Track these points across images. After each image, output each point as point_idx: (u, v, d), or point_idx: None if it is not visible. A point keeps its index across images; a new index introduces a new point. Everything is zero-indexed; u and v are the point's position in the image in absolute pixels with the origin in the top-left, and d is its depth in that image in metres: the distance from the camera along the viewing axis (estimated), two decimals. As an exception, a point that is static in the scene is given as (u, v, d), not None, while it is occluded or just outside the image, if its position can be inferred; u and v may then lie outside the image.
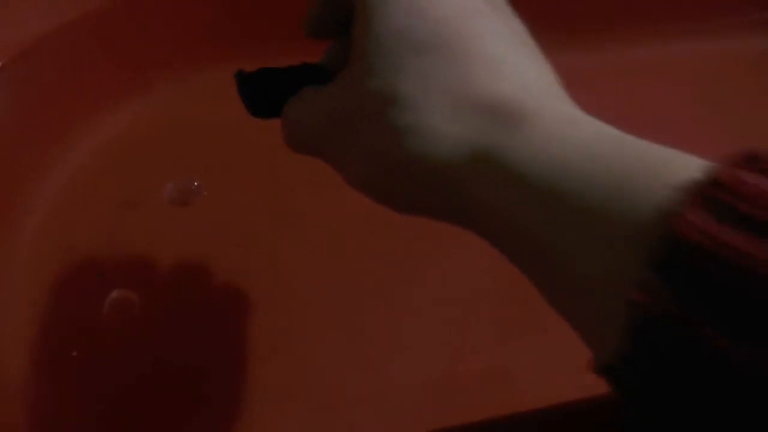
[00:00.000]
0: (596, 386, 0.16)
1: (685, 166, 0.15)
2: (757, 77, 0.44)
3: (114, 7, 0.37)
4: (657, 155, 0.16)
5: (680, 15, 0.44)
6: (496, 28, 0.20)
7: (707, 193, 0.14)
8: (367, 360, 0.32)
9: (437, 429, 0.30)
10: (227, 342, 0.32)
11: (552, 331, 0.31)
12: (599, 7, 0.42)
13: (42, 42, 0.35)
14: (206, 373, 0.31)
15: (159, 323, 0.32)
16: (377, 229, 0.35)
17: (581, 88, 0.21)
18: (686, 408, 0.14)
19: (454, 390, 0.31)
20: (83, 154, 0.37)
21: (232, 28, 0.39)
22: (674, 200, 0.15)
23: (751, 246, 0.13)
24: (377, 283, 0.34)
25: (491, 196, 0.18)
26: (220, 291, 0.33)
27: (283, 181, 0.36)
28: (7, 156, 0.34)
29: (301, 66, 0.24)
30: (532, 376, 0.32)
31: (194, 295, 0.33)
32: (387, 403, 0.31)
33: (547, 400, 0.30)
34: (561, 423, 0.31)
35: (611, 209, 0.16)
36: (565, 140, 0.17)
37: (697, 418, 0.14)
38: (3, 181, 0.34)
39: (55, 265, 0.33)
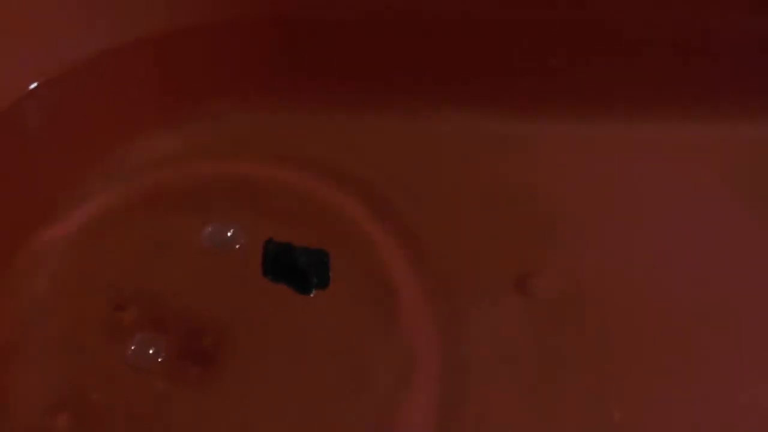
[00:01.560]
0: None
1: None
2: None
3: (171, 35, 0.37)
4: None
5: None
6: None
7: None
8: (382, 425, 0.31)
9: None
10: (236, 399, 0.32)
11: (565, 407, 0.32)
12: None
13: (90, 63, 0.35)
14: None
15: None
16: (396, 299, 0.34)
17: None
18: None
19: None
20: (120, 182, 0.37)
21: (295, 73, 0.39)
22: None
23: None
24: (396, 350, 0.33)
25: None
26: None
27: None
28: (39, 180, 0.34)
29: (317, 252, 0.28)
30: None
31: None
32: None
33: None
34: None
35: None
36: None
37: None
38: (34, 204, 0.34)
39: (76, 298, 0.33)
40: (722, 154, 0.41)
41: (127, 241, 0.35)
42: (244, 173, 0.38)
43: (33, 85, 0.34)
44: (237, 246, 0.34)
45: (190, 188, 0.37)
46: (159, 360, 0.31)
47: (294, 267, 0.28)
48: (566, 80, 0.40)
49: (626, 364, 0.33)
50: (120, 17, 0.37)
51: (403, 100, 0.40)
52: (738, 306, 0.35)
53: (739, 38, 0.41)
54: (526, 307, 0.35)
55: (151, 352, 0.31)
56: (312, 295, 0.28)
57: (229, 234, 0.33)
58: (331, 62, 0.40)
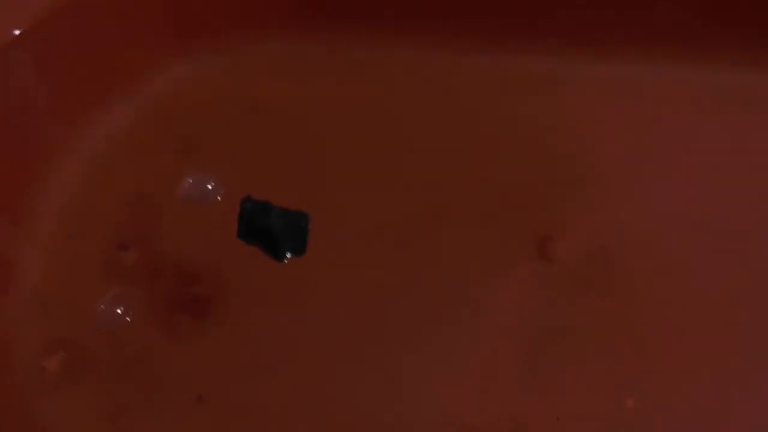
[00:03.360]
0: None
1: None
2: None
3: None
4: None
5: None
6: None
7: None
8: (381, 389, 0.30)
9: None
10: (228, 352, 0.31)
11: (576, 389, 0.29)
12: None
13: (70, 6, 0.33)
14: (205, 383, 0.30)
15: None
16: (407, 259, 0.32)
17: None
18: None
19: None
20: (111, 128, 0.35)
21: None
22: None
23: None
24: (404, 314, 0.31)
25: None
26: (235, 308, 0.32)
27: (307, 195, 0.32)
28: (30, 131, 0.33)
29: (294, 213, 0.26)
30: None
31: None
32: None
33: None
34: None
35: None
36: None
37: None
38: (26, 156, 0.33)
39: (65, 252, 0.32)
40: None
41: (120, 185, 0.34)
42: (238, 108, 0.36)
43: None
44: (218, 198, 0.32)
45: (183, 128, 0.35)
46: (127, 320, 0.30)
47: (268, 231, 0.25)
48: (601, 19, 0.35)
49: (647, 347, 0.30)
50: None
51: (426, 39, 0.36)
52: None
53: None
54: (545, 273, 0.32)
55: (119, 312, 0.30)
56: (285, 262, 0.26)
57: (209, 187, 0.32)
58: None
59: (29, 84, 0.33)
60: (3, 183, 0.33)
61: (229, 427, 0.29)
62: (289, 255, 0.26)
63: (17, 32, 0.31)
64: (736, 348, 0.30)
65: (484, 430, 0.29)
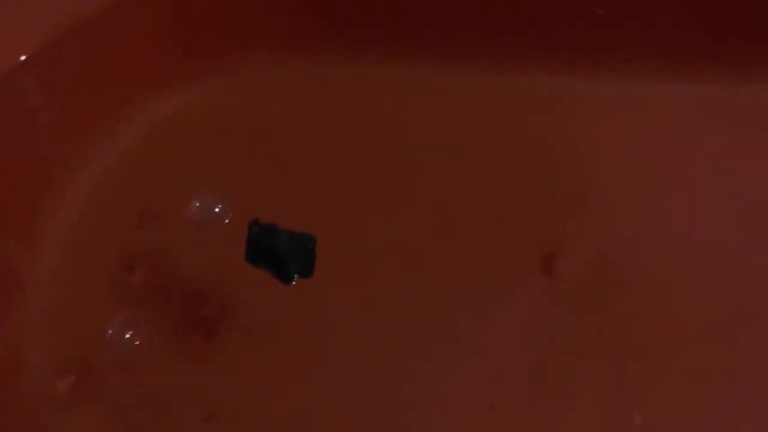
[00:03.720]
0: None
1: None
2: None
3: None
4: None
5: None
6: None
7: None
8: (387, 407, 0.30)
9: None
10: (237, 372, 0.31)
11: (583, 406, 0.30)
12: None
13: (78, 28, 0.33)
14: (214, 403, 0.30)
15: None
16: (414, 277, 0.32)
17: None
18: None
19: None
20: (118, 150, 0.36)
21: (301, 21, 0.37)
22: None
23: None
24: (410, 332, 0.31)
25: None
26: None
27: (314, 217, 0.32)
28: (39, 152, 0.34)
29: (302, 236, 0.26)
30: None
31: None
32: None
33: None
34: None
35: None
36: None
37: None
38: (35, 176, 0.34)
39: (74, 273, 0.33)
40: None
41: (127, 205, 0.34)
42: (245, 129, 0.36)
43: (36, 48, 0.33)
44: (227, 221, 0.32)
45: (194, 149, 0.36)
46: (136, 343, 0.31)
47: (275, 253, 0.26)
48: (605, 34, 0.35)
49: (654, 363, 0.30)
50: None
51: (430, 58, 0.37)
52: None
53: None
54: (550, 289, 0.32)
55: (128, 336, 0.30)
56: (293, 284, 0.27)
57: (216, 210, 0.32)
58: (357, 15, 0.37)
59: (37, 107, 0.34)
60: (14, 202, 0.33)
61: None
62: (296, 277, 0.26)
63: (24, 57, 0.32)
64: (743, 361, 0.30)
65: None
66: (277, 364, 0.31)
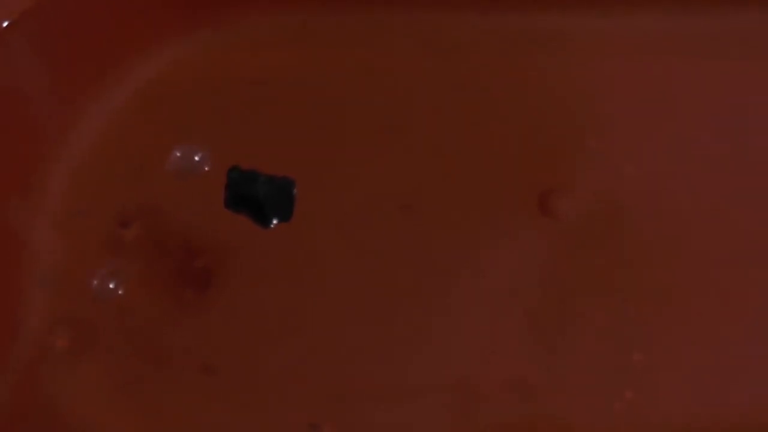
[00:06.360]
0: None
1: None
2: None
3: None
4: None
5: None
6: None
7: None
8: (385, 355, 0.30)
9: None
10: (232, 322, 0.31)
11: (583, 346, 0.29)
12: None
13: None
14: (210, 352, 0.30)
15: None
16: (410, 220, 0.32)
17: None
18: None
19: (471, 397, 0.29)
20: (113, 106, 0.35)
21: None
22: None
23: None
24: (407, 276, 0.31)
25: None
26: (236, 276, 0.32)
27: (303, 164, 0.31)
28: (33, 111, 0.34)
29: (281, 180, 0.26)
30: (554, 396, 0.29)
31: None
32: (397, 401, 0.29)
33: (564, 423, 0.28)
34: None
35: None
36: None
37: None
38: (28, 139, 0.34)
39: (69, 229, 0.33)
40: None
41: (119, 163, 0.34)
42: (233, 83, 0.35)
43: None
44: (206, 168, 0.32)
45: (185, 104, 0.35)
46: (120, 293, 0.31)
47: (255, 198, 0.25)
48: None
49: (656, 302, 0.30)
50: None
51: (420, 2, 0.36)
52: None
53: None
54: (549, 229, 0.31)
55: (112, 286, 0.30)
56: (272, 227, 0.26)
57: (197, 158, 0.31)
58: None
59: (30, 66, 0.34)
60: (12, 160, 0.33)
61: (236, 395, 0.30)
62: (275, 221, 0.26)
63: (13, 18, 0.32)
64: (745, 302, 0.30)
65: (490, 393, 0.29)
66: (272, 312, 0.31)
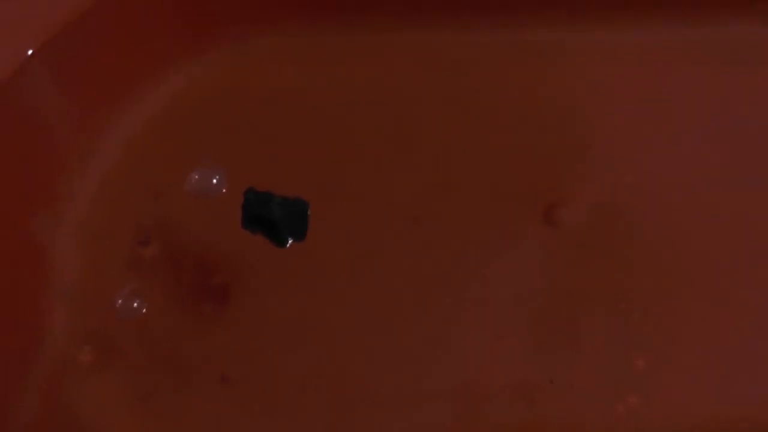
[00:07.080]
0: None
1: None
2: None
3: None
4: None
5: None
6: None
7: None
8: (394, 359, 0.31)
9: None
10: (248, 335, 0.32)
11: (586, 352, 0.30)
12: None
13: (82, 18, 0.34)
14: (228, 364, 0.31)
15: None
16: (419, 233, 0.33)
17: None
18: None
19: (477, 401, 0.30)
20: (132, 129, 0.36)
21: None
22: None
23: None
24: (417, 287, 0.32)
25: None
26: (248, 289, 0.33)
27: (315, 181, 0.34)
28: (54, 138, 0.35)
29: (295, 201, 0.27)
30: (557, 401, 0.30)
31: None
32: (407, 407, 0.30)
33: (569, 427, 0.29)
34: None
35: None
36: None
37: None
38: (50, 163, 0.35)
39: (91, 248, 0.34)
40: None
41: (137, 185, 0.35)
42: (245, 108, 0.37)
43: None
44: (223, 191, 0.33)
45: (200, 124, 0.36)
46: (143, 311, 0.32)
47: (269, 218, 0.27)
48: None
49: (656, 308, 0.31)
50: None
51: (429, 19, 0.37)
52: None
53: None
54: (552, 238, 0.32)
55: (135, 305, 0.32)
56: (287, 247, 0.27)
57: (214, 181, 0.33)
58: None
59: (51, 93, 0.35)
60: (36, 183, 0.34)
61: (254, 405, 0.31)
62: (290, 240, 0.27)
63: (33, 50, 0.33)
64: (744, 306, 0.31)
65: (494, 396, 0.30)
66: (287, 325, 0.32)
